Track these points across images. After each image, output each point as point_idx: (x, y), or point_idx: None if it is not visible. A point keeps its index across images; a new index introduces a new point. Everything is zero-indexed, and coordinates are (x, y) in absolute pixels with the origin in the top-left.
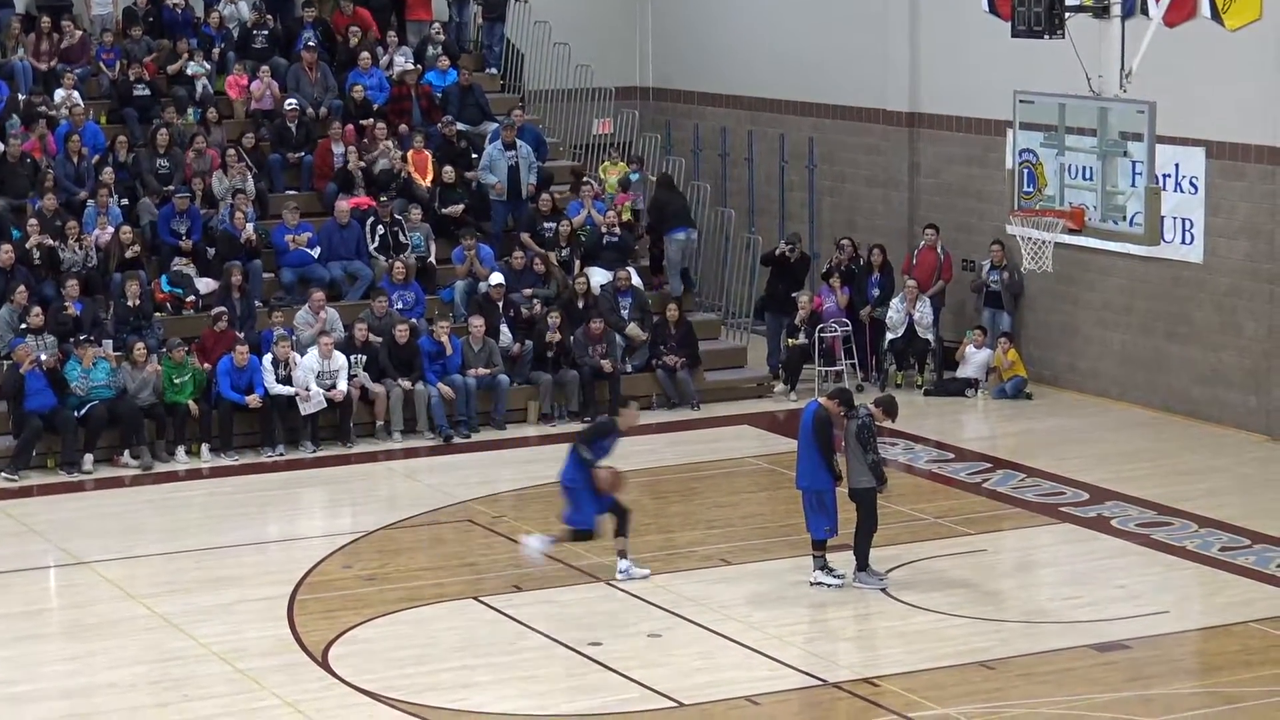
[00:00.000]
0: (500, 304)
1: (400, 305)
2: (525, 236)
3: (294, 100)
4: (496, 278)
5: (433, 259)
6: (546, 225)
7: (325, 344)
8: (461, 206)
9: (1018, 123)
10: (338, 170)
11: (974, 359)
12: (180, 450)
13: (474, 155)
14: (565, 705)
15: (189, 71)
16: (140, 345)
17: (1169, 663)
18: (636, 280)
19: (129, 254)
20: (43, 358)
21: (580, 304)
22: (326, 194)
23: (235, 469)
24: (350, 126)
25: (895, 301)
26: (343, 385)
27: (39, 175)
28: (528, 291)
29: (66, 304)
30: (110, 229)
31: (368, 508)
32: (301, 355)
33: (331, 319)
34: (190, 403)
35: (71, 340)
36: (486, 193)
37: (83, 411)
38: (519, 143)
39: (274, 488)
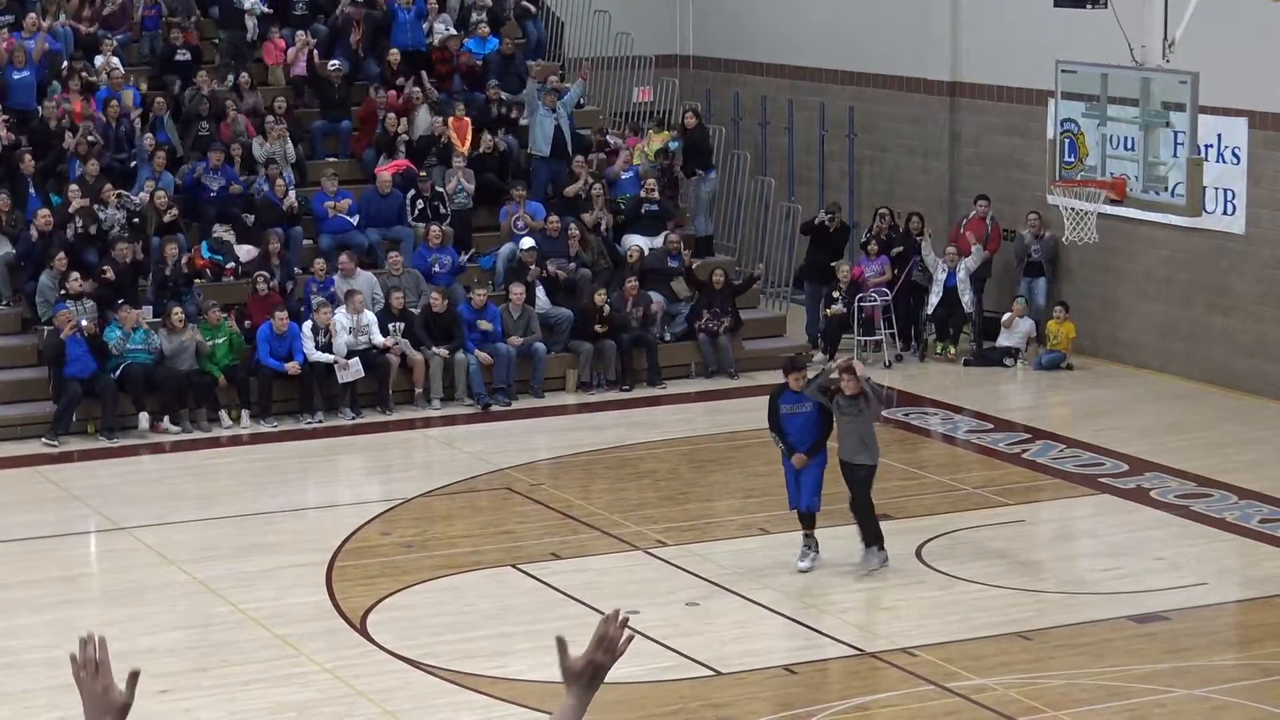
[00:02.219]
0: (533, 268)
1: (437, 268)
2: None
3: (337, 61)
4: (527, 242)
5: (466, 200)
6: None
7: (357, 300)
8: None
9: (1059, 92)
10: (379, 135)
11: (1018, 328)
12: (223, 414)
13: (523, 123)
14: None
15: (245, 5)
16: (178, 310)
17: (1208, 635)
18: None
19: (166, 218)
20: (84, 324)
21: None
22: (365, 160)
23: (274, 435)
24: (392, 91)
25: (933, 257)
26: (377, 338)
27: (79, 140)
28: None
29: (105, 269)
30: (144, 194)
31: (406, 475)
32: (332, 315)
33: (369, 283)
34: (219, 374)
35: (119, 303)
36: (524, 157)
37: (117, 372)
38: (558, 103)
39: (313, 454)
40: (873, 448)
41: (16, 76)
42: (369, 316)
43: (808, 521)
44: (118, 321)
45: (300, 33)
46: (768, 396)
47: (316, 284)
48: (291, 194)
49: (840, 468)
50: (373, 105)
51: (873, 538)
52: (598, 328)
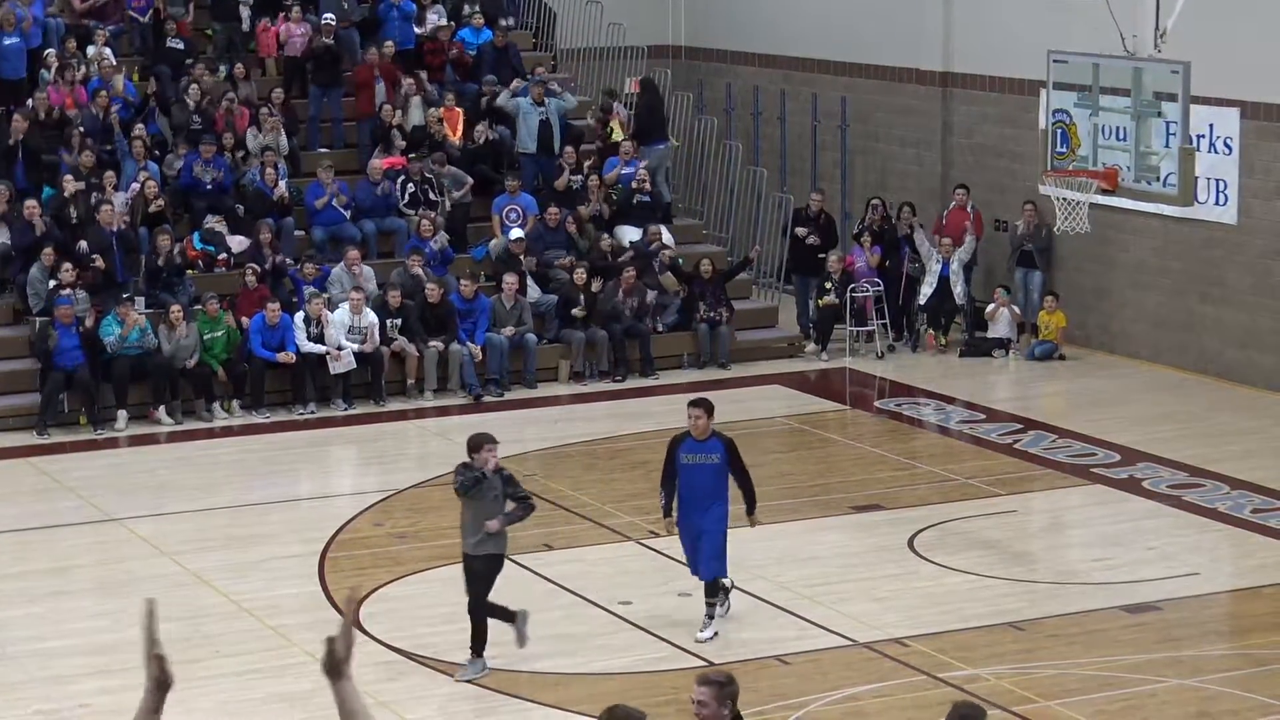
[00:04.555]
0: (524, 258)
1: (432, 262)
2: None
3: (330, 15)
4: (516, 234)
5: (459, 194)
6: (573, 177)
7: (355, 299)
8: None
9: (1051, 83)
10: (375, 125)
11: (1001, 319)
12: (217, 406)
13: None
14: (595, 664)
15: None
16: (176, 307)
17: (1199, 625)
18: (668, 238)
19: (152, 208)
20: (86, 323)
21: (610, 258)
22: (361, 149)
23: (267, 426)
24: (383, 74)
25: (926, 247)
26: (373, 331)
27: (69, 131)
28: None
29: (95, 258)
30: (138, 184)
31: (399, 466)
32: (332, 311)
33: (366, 275)
34: (218, 367)
35: (124, 297)
36: (514, 150)
37: (105, 359)
38: (547, 99)
39: (306, 445)
40: (502, 535)
41: (7, 42)
42: (370, 317)
43: (710, 590)
44: (117, 315)
45: (295, 9)
46: (670, 442)
47: (306, 285)
48: (282, 184)
49: (463, 559)
50: (368, 71)
51: (482, 645)
52: (576, 311)
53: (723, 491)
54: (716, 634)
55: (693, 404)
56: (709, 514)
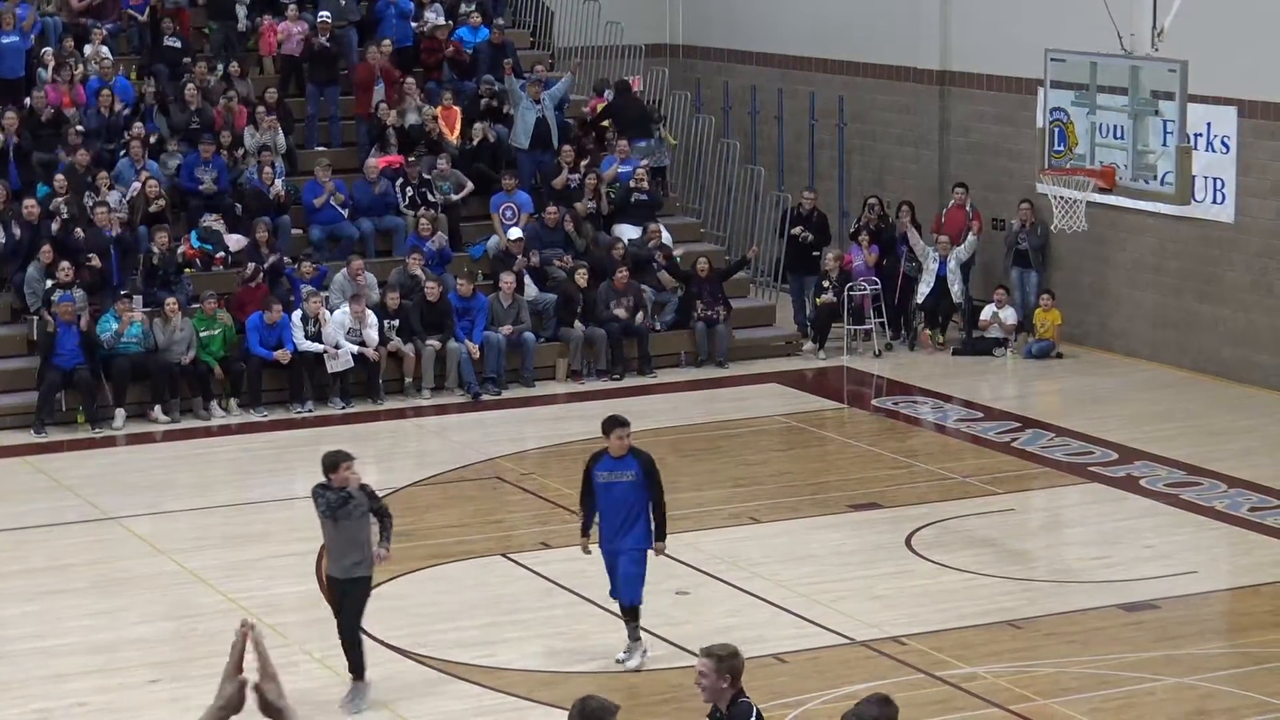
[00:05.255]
0: (520, 258)
1: (430, 261)
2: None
3: (326, 14)
4: (515, 233)
5: (457, 197)
6: (571, 176)
7: (358, 310)
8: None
9: (1048, 81)
10: (372, 120)
11: (1000, 320)
12: (214, 404)
13: (508, 112)
14: (592, 663)
15: None
16: (172, 301)
17: (1197, 623)
18: (666, 236)
19: (153, 208)
20: (83, 322)
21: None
22: (360, 148)
23: (264, 425)
24: (383, 75)
25: (922, 245)
26: (373, 334)
27: (66, 130)
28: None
29: (91, 257)
30: (138, 183)
31: (396, 464)
32: (332, 312)
33: (370, 283)
34: (215, 365)
35: (122, 294)
36: (511, 148)
37: (102, 356)
38: (543, 95)
39: (303, 444)
40: (369, 555)
41: (5, 41)
42: (371, 320)
43: (631, 614)
44: (115, 312)
45: (291, 7)
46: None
47: (303, 284)
48: (279, 183)
49: (330, 584)
50: (369, 70)
51: (361, 668)
52: (576, 308)
53: (641, 509)
54: (643, 661)
55: (618, 424)
56: (630, 535)
